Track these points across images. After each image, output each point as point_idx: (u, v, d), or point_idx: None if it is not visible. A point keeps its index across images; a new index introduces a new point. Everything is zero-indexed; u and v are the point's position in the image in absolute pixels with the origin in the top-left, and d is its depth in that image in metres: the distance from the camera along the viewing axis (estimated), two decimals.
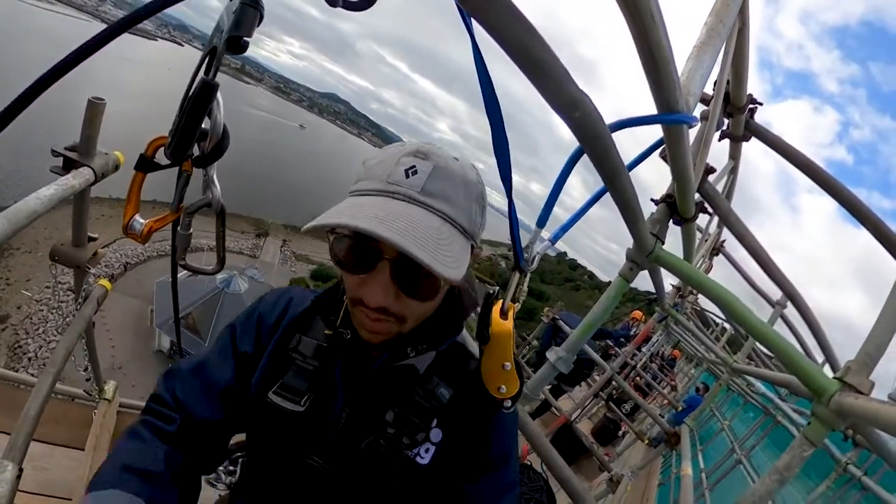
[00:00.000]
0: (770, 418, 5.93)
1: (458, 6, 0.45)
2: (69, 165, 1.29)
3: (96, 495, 0.70)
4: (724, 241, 3.39)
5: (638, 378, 7.37)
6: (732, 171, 1.90)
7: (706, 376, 9.49)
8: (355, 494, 0.83)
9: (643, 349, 6.76)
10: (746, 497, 1.08)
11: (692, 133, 1.37)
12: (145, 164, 0.78)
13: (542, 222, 0.92)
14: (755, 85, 1.53)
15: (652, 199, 1.43)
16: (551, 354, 1.56)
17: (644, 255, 1.31)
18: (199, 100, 0.60)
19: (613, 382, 5.12)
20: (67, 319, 1.74)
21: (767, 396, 4.24)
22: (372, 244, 0.64)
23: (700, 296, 5.49)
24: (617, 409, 6.31)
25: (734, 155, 1.85)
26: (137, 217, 0.86)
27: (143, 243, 0.89)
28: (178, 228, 0.86)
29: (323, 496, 0.85)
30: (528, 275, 0.90)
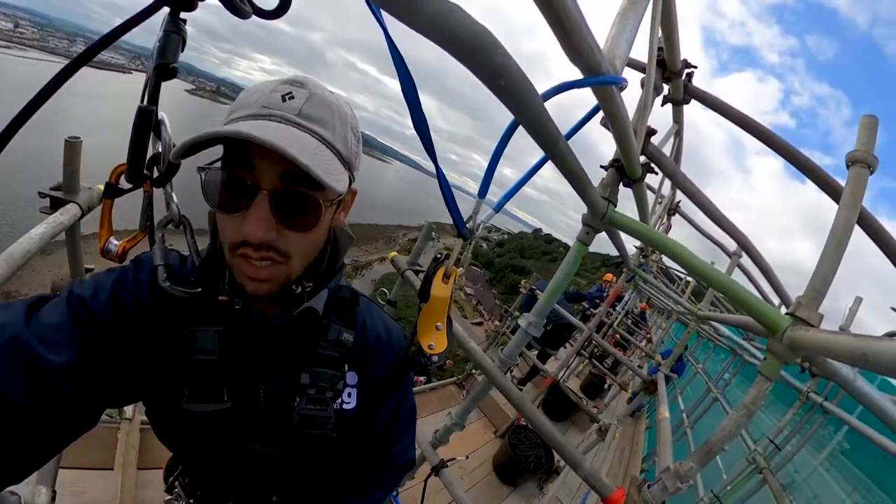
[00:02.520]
0: (738, 358, 6.08)
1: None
2: (56, 204, 1.30)
3: None
4: (679, 202, 3.40)
5: (617, 335, 7.50)
6: (677, 133, 1.87)
7: (678, 326, 9.71)
8: (305, 463, 0.82)
9: (617, 308, 6.86)
10: (718, 432, 1.07)
11: (635, 100, 1.35)
12: (111, 191, 0.80)
13: (482, 194, 0.89)
14: (703, 62, 1.51)
15: (601, 166, 1.40)
16: (522, 321, 1.56)
17: (598, 219, 1.28)
18: (139, 126, 0.63)
19: (594, 342, 5.18)
20: None
21: (733, 339, 4.34)
22: (248, 178, 0.57)
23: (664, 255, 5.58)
24: (600, 365, 6.42)
25: (677, 118, 1.83)
26: (112, 240, 0.86)
27: (121, 263, 0.85)
28: (154, 247, 0.82)
29: (277, 475, 0.82)
30: (471, 242, 0.91)
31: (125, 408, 2.36)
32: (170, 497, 1.04)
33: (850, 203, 1.03)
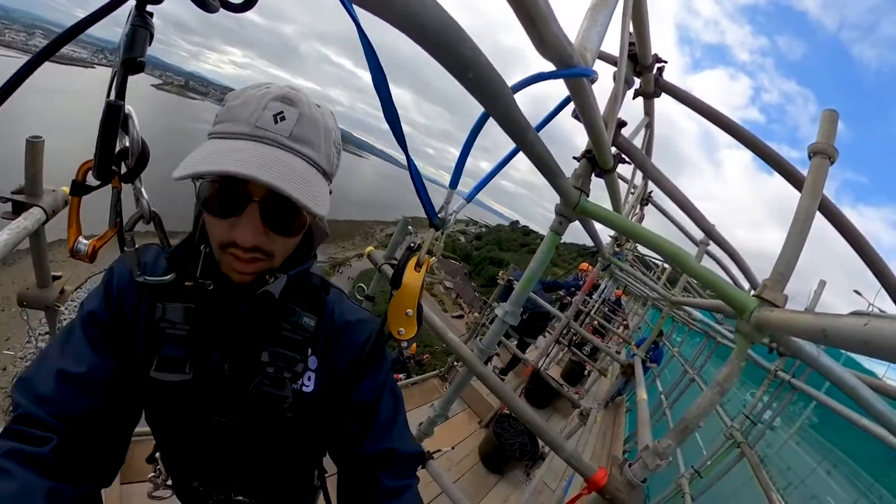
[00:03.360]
0: (712, 340, 6.31)
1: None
2: (19, 208, 1.24)
3: None
4: (651, 192, 3.48)
5: (595, 322, 7.64)
6: (648, 125, 1.91)
7: (653, 312, 9.99)
8: (261, 438, 0.84)
9: (594, 296, 6.99)
10: (693, 409, 1.11)
11: (607, 93, 1.37)
12: (78, 188, 0.78)
13: (453, 184, 0.91)
14: (678, 59, 1.55)
15: (574, 157, 1.42)
16: (499, 310, 1.58)
17: (571, 209, 1.30)
18: (107, 121, 0.62)
19: (572, 329, 5.27)
20: None
21: (706, 322, 4.51)
22: (240, 188, 0.64)
23: (636, 242, 5.71)
24: (579, 353, 6.57)
25: (648, 111, 1.87)
26: (81, 239, 0.85)
27: (91, 262, 0.86)
28: (124, 247, 0.83)
29: (234, 447, 0.85)
30: (444, 231, 0.90)
31: None
32: (152, 475, 1.11)
33: (811, 192, 1.08)
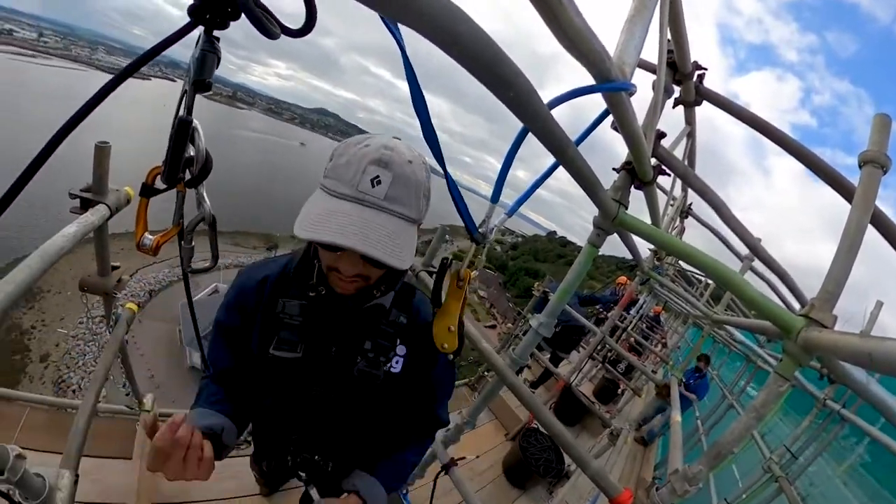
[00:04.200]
0: (752, 364, 5.97)
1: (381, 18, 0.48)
2: (86, 205, 1.40)
3: (190, 413, 0.99)
4: (691, 204, 3.36)
5: (631, 339, 7.37)
6: (690, 135, 1.87)
7: (694, 331, 9.52)
8: (351, 409, 1.09)
9: (631, 312, 6.73)
10: (727, 435, 1.07)
11: (646, 102, 1.36)
12: (147, 190, 0.86)
13: (494, 198, 0.93)
14: (720, 61, 1.51)
15: (613, 168, 1.41)
16: (533, 321, 1.57)
17: (609, 221, 1.29)
18: (178, 134, 0.70)
19: (606, 345, 5.12)
20: (104, 347, 1.82)
21: (747, 344, 4.27)
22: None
23: (674, 256, 5.49)
24: (613, 370, 6.31)
25: (689, 120, 1.82)
26: (147, 235, 0.94)
27: (155, 255, 0.95)
28: (182, 243, 0.96)
29: (326, 414, 1.10)
30: (485, 246, 0.99)
31: (145, 400, 2.47)
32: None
33: (862, 204, 1.02)
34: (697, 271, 5.72)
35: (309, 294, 0.99)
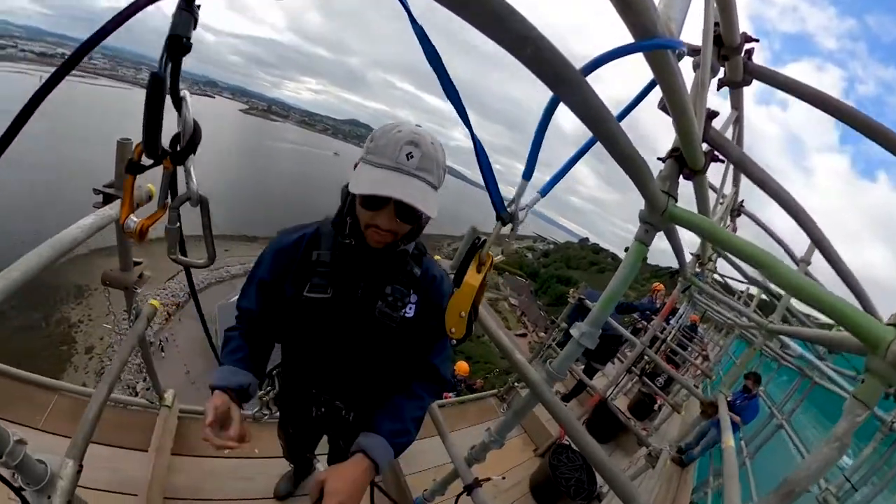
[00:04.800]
0: (807, 380, 5.50)
1: None
2: (108, 199, 1.45)
3: (221, 371, 1.15)
4: (742, 202, 3.10)
5: (667, 351, 6.95)
6: (737, 120, 1.66)
7: (738, 343, 8.91)
8: (371, 351, 1.23)
9: (671, 321, 6.34)
10: (804, 468, 0.92)
11: (688, 82, 1.20)
12: (133, 166, 0.83)
13: (527, 175, 0.90)
14: (754, 54, 1.34)
15: (658, 158, 1.26)
16: (575, 331, 1.40)
17: (658, 215, 1.14)
18: (152, 92, 0.64)
19: (645, 357, 4.82)
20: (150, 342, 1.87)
21: (806, 357, 3.89)
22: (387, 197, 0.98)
23: (718, 263, 5.12)
24: (651, 384, 5.93)
25: (736, 104, 1.59)
26: (132, 217, 0.91)
27: (140, 240, 0.93)
28: (167, 224, 0.91)
29: (350, 355, 1.23)
30: (515, 228, 0.99)
31: (166, 395, 2.49)
32: (262, 392, 1.47)
33: None
34: (739, 279, 5.31)
35: (342, 243, 1.15)
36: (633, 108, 0.94)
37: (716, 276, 5.61)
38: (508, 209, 0.94)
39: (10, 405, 2.16)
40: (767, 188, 1.24)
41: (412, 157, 0.97)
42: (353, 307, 1.18)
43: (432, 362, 1.28)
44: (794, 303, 3.15)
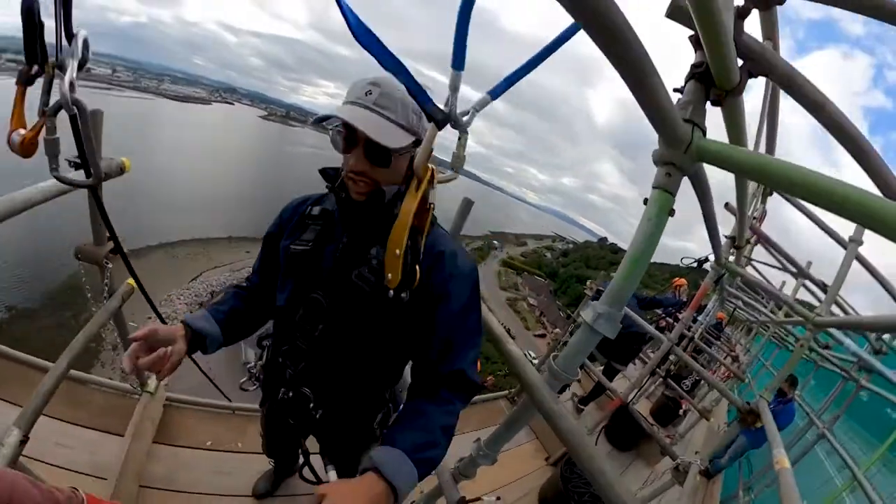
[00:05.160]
0: (851, 383, 4.98)
1: None
2: (76, 168, 1.40)
3: (198, 311, 1.19)
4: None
5: (694, 350, 6.36)
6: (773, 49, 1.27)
7: (769, 345, 8.29)
8: (344, 322, 1.09)
9: (699, 318, 5.65)
10: None
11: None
12: (21, 76, 0.83)
13: (457, 64, 0.89)
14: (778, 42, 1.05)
15: (675, 89, 0.93)
16: (587, 312, 1.03)
17: (681, 151, 0.84)
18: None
19: (670, 357, 4.38)
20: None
21: (858, 354, 3.42)
22: (353, 134, 0.98)
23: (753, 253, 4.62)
24: (677, 386, 5.44)
25: (769, 32, 1.07)
26: (20, 130, 0.88)
27: (26, 155, 0.91)
28: (44, 135, 0.92)
29: (321, 331, 1.11)
30: (461, 131, 0.94)
31: (149, 381, 2.47)
32: (250, 364, 1.47)
33: None
34: (764, 277, 4.77)
35: (338, 199, 1.09)
36: None
37: (749, 267, 5.04)
38: (445, 109, 0.89)
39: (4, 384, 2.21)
40: (825, 116, 0.90)
41: (371, 94, 0.97)
42: (330, 266, 1.10)
43: (457, 368, 1.05)
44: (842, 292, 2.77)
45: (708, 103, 0.89)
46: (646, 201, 0.95)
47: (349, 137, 0.99)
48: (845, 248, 2.45)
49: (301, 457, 1.35)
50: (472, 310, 1.10)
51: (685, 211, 0.95)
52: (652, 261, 0.99)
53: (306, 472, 1.35)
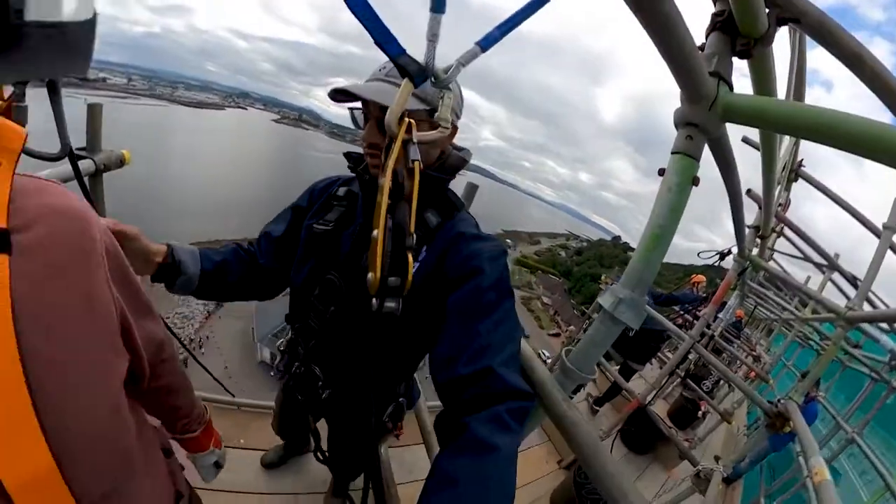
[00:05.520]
0: (882, 384, 4.73)
1: None
2: (78, 159, 1.42)
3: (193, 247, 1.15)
4: (801, 161, 2.53)
5: (713, 349, 6.06)
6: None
7: (792, 345, 7.95)
8: (359, 307, 0.92)
9: (720, 315, 5.45)
10: None
11: None
12: None
13: (438, 6, 0.68)
14: (787, 34, 0.97)
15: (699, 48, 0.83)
16: (606, 298, 0.90)
17: (705, 109, 0.72)
18: None
19: (690, 356, 4.18)
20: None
21: (878, 359, 3.23)
22: (367, 109, 0.96)
23: (777, 251, 4.41)
24: (697, 387, 5.20)
25: None
26: None
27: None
28: (14, 102, 0.95)
29: (336, 309, 1.06)
30: (442, 93, 0.86)
31: None
32: (279, 343, 1.42)
33: None
34: (798, 255, 4.53)
35: (360, 179, 1.06)
36: None
37: (771, 263, 4.82)
38: (423, 63, 0.72)
39: None
40: (865, 70, 0.77)
41: (384, 68, 0.94)
42: (347, 250, 1.08)
43: (483, 366, 0.80)
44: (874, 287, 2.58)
45: (734, 58, 0.77)
46: (661, 172, 0.83)
47: (365, 114, 0.98)
48: (878, 236, 2.28)
49: (311, 439, 1.37)
50: (501, 295, 0.91)
51: (685, 211, 0.80)
52: (665, 261, 0.88)
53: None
